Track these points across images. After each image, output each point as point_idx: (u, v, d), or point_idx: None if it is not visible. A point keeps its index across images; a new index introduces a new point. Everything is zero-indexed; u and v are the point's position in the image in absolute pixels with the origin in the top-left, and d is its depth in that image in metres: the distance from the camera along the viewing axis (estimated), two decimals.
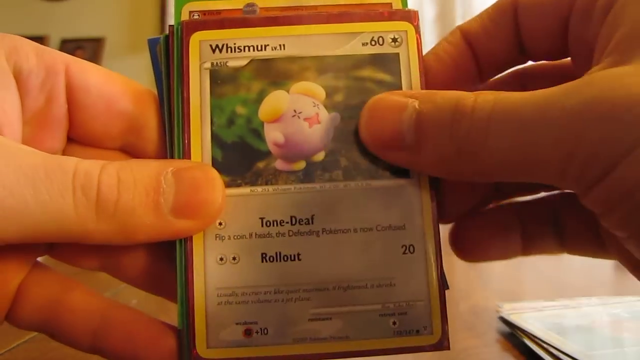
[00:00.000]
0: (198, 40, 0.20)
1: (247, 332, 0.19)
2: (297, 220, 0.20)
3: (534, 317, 0.34)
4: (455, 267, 0.53)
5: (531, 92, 0.16)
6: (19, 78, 0.19)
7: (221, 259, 0.20)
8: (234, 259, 0.20)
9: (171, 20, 0.22)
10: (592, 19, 0.19)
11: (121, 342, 0.20)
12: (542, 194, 0.24)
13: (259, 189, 0.20)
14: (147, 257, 0.21)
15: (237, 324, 0.19)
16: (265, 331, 0.19)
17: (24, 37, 0.20)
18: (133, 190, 0.18)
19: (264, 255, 0.20)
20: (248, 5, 0.21)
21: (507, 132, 0.16)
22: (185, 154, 0.20)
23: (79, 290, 0.20)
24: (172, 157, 0.20)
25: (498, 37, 0.21)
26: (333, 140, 0.20)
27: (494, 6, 0.21)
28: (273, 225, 0.20)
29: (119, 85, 0.21)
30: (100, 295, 0.21)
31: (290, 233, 0.20)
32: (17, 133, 0.19)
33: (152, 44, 0.21)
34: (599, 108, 0.15)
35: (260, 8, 0.21)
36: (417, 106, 0.18)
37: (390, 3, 0.21)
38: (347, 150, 0.20)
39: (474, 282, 0.48)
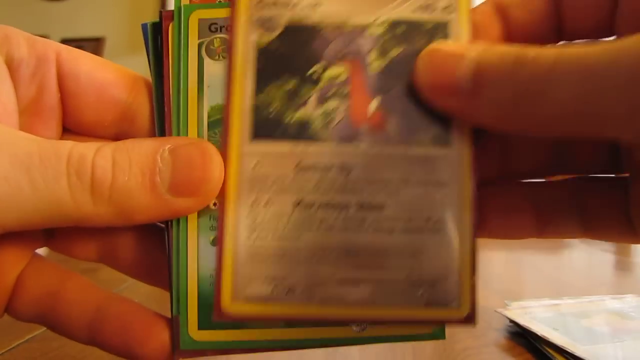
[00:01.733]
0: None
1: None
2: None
3: (537, 316, 0.34)
4: None
5: (597, 43, 0.16)
6: (10, 67, 0.19)
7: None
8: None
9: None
10: None
11: (115, 334, 0.19)
12: (561, 178, 0.23)
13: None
14: (144, 246, 0.21)
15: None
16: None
17: None
18: (128, 171, 0.17)
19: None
20: None
21: (572, 80, 0.15)
22: (182, 131, 0.20)
23: (75, 281, 0.20)
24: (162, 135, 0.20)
25: (534, 7, 0.20)
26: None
27: None
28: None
29: (110, 72, 0.21)
30: (97, 286, 0.21)
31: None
32: (14, 123, 0.19)
33: (147, 28, 0.21)
34: None
35: None
36: (475, 54, 0.17)
37: None
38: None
39: None
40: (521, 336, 0.33)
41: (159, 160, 0.18)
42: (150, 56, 0.21)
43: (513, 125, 0.18)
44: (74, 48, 0.21)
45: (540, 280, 0.51)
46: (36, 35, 0.20)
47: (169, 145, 0.18)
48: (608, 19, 0.19)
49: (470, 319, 0.19)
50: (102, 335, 0.20)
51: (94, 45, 2.01)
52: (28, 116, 0.20)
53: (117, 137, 0.21)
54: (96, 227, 0.18)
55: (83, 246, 0.21)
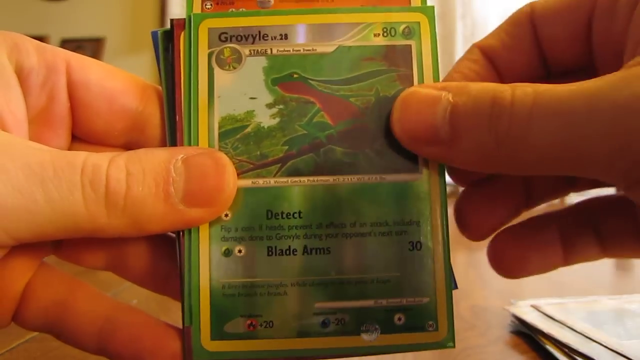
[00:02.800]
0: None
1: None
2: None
3: (544, 314, 0.34)
4: (456, 267, 0.54)
5: (573, 84, 0.16)
6: (20, 76, 0.19)
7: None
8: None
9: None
10: (617, 14, 0.18)
11: (126, 344, 0.19)
12: (578, 200, 0.23)
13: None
14: (153, 256, 0.21)
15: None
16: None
17: None
18: (142, 182, 0.17)
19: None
20: None
21: (552, 125, 0.16)
22: (193, 142, 0.20)
23: (84, 290, 0.20)
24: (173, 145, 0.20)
25: (518, 50, 0.21)
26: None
27: (508, 20, 0.21)
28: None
29: (120, 81, 0.21)
30: (106, 296, 0.21)
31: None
32: (24, 133, 0.19)
33: (157, 36, 0.21)
34: None
35: (275, 0, 0.21)
36: (450, 99, 0.18)
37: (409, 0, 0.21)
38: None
39: (474, 282, 0.48)
40: (522, 335, 0.33)
41: (172, 170, 0.18)
42: (161, 64, 0.21)
43: (494, 168, 0.18)
44: (83, 56, 0.21)
45: (540, 280, 0.51)
46: (36, 35, 0.20)
47: (181, 155, 0.18)
48: (585, 47, 0.20)
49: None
50: (112, 346, 0.19)
51: (94, 45, 2.01)
52: (38, 125, 0.20)
53: (127, 146, 0.21)
54: (109, 238, 0.18)
55: (92, 255, 0.21)
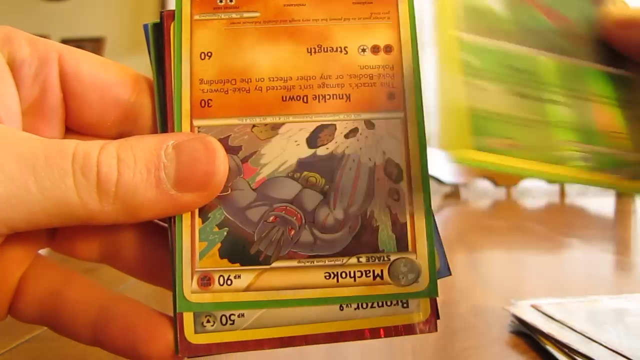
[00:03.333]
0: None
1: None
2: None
3: (544, 314, 0.34)
4: (456, 266, 0.54)
5: None
6: (13, 68, 0.19)
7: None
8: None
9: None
10: None
11: (120, 334, 0.19)
12: None
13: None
14: (147, 246, 0.21)
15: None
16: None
17: None
18: (133, 168, 0.18)
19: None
20: None
21: None
22: (184, 129, 0.20)
23: (79, 282, 0.20)
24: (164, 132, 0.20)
25: None
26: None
27: None
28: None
29: (112, 72, 0.21)
30: (100, 286, 0.21)
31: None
32: (18, 124, 0.19)
33: (148, 29, 0.21)
34: None
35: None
36: None
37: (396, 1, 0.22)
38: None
39: (474, 282, 0.48)
40: (522, 335, 0.33)
41: (163, 156, 0.18)
42: (152, 56, 0.21)
43: None
44: (75, 48, 0.21)
45: (540, 280, 0.51)
46: (36, 35, 0.20)
47: (172, 141, 0.18)
48: None
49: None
50: (106, 335, 0.19)
51: (94, 45, 2.02)
52: (31, 117, 0.20)
53: (119, 137, 0.21)
54: (102, 224, 0.18)
55: (86, 246, 0.21)
